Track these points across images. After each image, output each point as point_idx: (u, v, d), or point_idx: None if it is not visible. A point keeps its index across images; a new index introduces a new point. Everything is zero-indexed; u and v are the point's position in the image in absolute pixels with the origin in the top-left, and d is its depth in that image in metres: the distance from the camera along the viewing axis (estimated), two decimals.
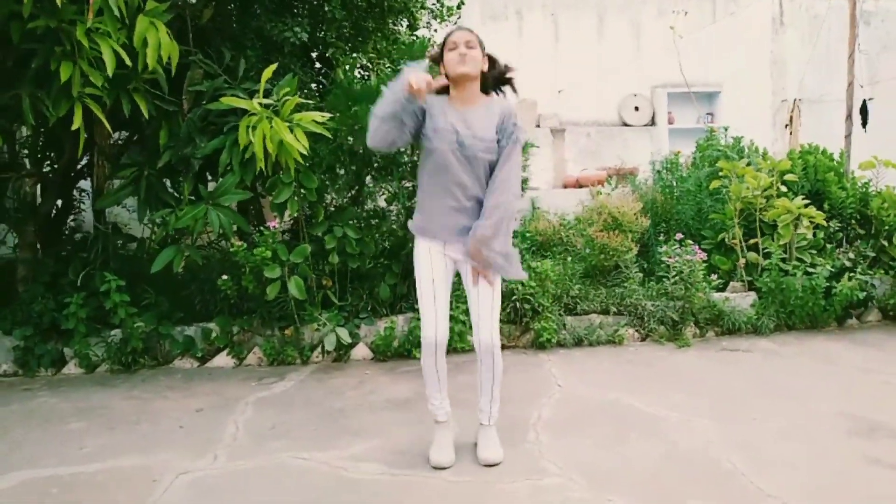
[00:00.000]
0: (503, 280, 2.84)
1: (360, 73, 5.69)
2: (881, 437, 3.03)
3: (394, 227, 4.76)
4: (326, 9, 4.70)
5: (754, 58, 10.39)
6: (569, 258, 5.06)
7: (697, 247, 4.92)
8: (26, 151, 4.90)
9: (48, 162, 4.95)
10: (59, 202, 5.01)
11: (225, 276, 4.24)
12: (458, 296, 4.17)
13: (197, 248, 4.42)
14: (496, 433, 2.90)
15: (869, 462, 2.79)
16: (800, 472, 2.71)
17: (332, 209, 4.58)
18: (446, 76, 2.70)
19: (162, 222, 4.20)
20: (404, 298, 4.67)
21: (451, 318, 4.06)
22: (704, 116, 10.21)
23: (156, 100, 4.11)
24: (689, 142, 7.67)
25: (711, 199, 5.58)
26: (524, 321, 4.61)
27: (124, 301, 4.22)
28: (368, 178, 4.72)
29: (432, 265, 2.71)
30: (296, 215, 4.38)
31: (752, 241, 5.15)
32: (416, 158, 4.51)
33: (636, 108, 10.17)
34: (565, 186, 8.98)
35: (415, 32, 5.73)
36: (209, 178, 4.71)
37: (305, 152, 3.91)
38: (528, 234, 5.18)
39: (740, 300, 4.96)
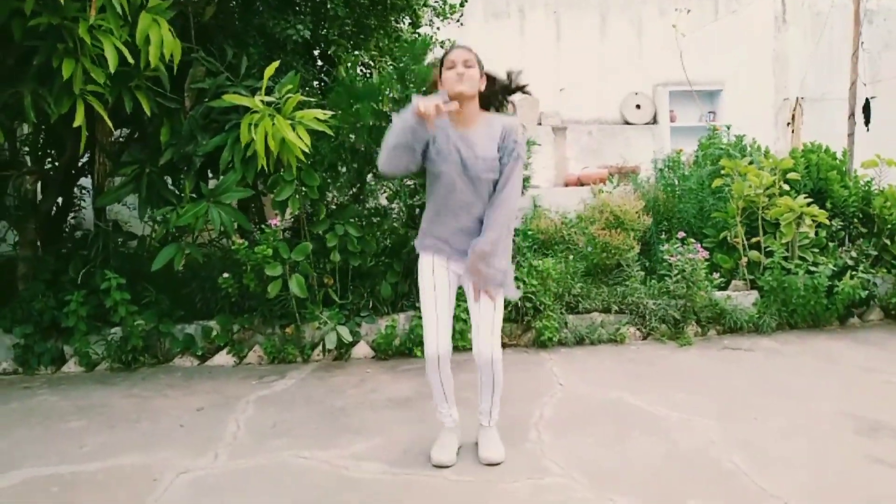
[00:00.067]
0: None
1: (362, 70, 5.68)
2: (883, 436, 3.03)
3: (395, 225, 4.75)
4: (329, 6, 4.68)
5: (756, 56, 10.36)
6: (570, 256, 5.05)
7: (699, 245, 4.91)
8: (27, 149, 4.90)
9: (49, 159, 4.95)
10: (60, 200, 5.00)
11: (226, 274, 4.23)
12: (458, 294, 4.15)
13: (198, 246, 4.42)
14: (497, 433, 2.90)
15: (871, 461, 2.78)
16: (802, 471, 2.71)
17: (334, 207, 4.57)
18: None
19: (163, 220, 4.20)
20: (405, 297, 4.66)
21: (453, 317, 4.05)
22: (706, 115, 10.19)
23: (158, 97, 4.10)
24: (691, 140, 7.66)
25: (713, 197, 5.57)
26: (526, 320, 4.60)
27: (125, 299, 4.21)
28: (370, 176, 4.71)
29: (435, 279, 2.72)
30: (297, 213, 4.37)
31: (754, 240, 5.14)
32: None
33: (638, 107, 10.15)
34: (567, 185, 8.97)
35: (417, 30, 5.72)
36: (210, 175, 4.70)
37: (307, 150, 3.90)
38: (529, 233, 5.17)
39: (742, 299, 4.95)
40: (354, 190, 4.75)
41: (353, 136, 4.44)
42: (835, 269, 4.85)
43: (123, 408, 3.61)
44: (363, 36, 5.32)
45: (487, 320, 2.67)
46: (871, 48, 9.41)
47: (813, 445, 2.95)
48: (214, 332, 4.43)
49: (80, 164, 4.95)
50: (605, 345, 4.60)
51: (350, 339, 4.33)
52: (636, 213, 5.15)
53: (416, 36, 5.43)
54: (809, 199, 5.00)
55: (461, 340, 4.28)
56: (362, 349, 4.45)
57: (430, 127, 2.52)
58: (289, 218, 4.56)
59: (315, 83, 5.13)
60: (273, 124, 3.79)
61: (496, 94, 2.80)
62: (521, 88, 2.85)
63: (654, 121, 10.20)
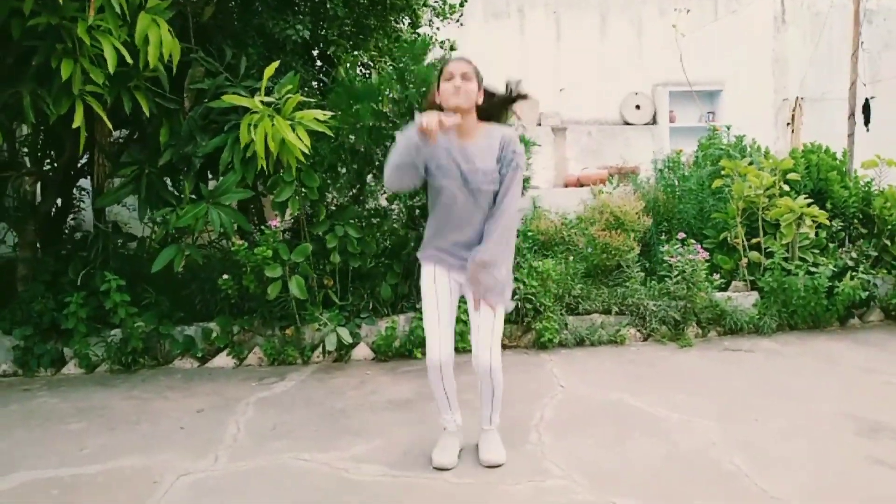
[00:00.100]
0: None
1: (361, 70, 5.67)
2: (883, 437, 3.02)
3: (395, 226, 4.75)
4: (328, 6, 4.68)
5: (756, 56, 10.36)
6: (570, 257, 5.04)
7: (699, 246, 4.91)
8: (26, 150, 4.88)
9: (48, 160, 4.93)
10: (59, 201, 4.99)
11: (226, 276, 4.22)
12: (460, 297, 4.15)
13: (197, 248, 4.41)
14: (498, 435, 2.89)
15: (871, 462, 2.78)
16: (802, 472, 2.70)
17: (334, 208, 4.57)
18: (440, 106, 2.68)
19: (162, 221, 4.19)
20: (405, 298, 4.66)
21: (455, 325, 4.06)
22: (706, 115, 10.19)
23: (157, 98, 4.10)
24: (691, 140, 7.66)
25: (713, 198, 5.56)
26: (526, 321, 4.59)
27: (124, 301, 4.20)
28: (370, 176, 4.70)
29: (437, 288, 2.74)
30: (297, 214, 4.37)
31: (754, 241, 5.13)
32: None
33: (637, 107, 10.15)
34: (566, 185, 8.97)
35: (417, 30, 5.71)
36: (210, 176, 4.70)
37: (307, 151, 3.89)
38: (529, 233, 5.16)
39: (742, 300, 4.94)
40: (354, 191, 4.75)
41: (352, 137, 4.43)
42: (835, 269, 4.84)
43: (123, 410, 3.60)
44: (363, 36, 5.31)
45: (486, 330, 2.67)
46: (871, 48, 9.41)
47: (813, 447, 2.95)
48: (214, 334, 4.43)
49: (79, 164, 4.94)
50: (605, 346, 4.60)
51: (350, 340, 4.32)
52: (636, 213, 5.14)
53: (416, 36, 5.43)
54: (809, 200, 5.00)
55: (461, 342, 4.27)
56: (362, 351, 4.45)
57: (433, 142, 2.53)
58: (288, 219, 4.56)
59: (314, 83, 5.12)
60: (273, 125, 3.79)
61: (496, 107, 2.79)
62: (522, 97, 2.83)
63: (654, 121, 10.20)
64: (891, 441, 2.98)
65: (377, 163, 4.62)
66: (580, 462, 2.82)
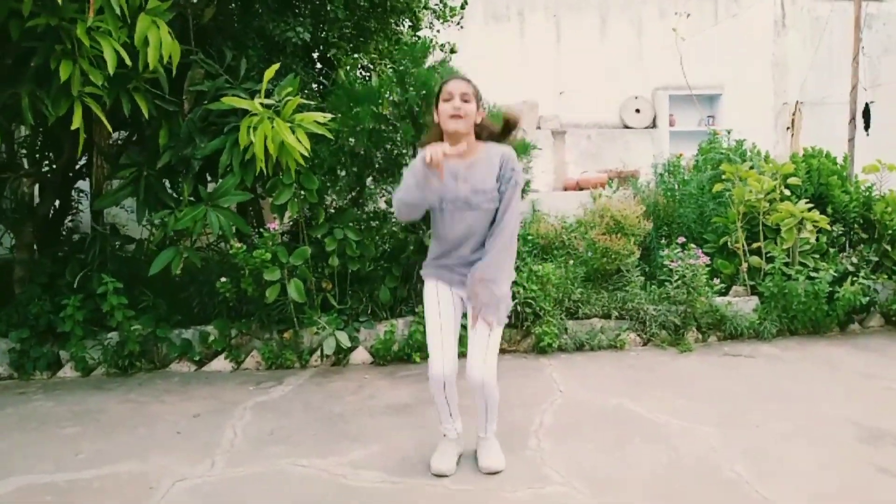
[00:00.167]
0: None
1: (361, 73, 5.66)
2: (886, 444, 3.01)
3: (394, 229, 4.73)
4: (328, 8, 4.67)
5: (756, 60, 10.37)
6: (570, 261, 5.03)
7: (700, 250, 4.90)
8: (25, 151, 4.87)
9: (47, 162, 4.92)
10: (57, 202, 4.97)
11: (224, 279, 4.20)
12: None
13: (196, 250, 4.38)
14: (496, 441, 2.87)
15: (874, 470, 2.76)
16: (803, 479, 2.69)
17: (333, 211, 4.55)
18: (439, 126, 2.68)
19: (161, 223, 4.17)
20: (404, 302, 4.64)
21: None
22: (706, 119, 10.18)
23: (156, 99, 4.08)
24: (690, 144, 7.65)
25: (714, 202, 5.55)
26: (525, 325, 4.57)
27: (121, 303, 4.18)
28: (369, 179, 4.69)
29: (440, 302, 2.75)
30: (296, 217, 4.35)
31: (754, 245, 5.12)
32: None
33: (637, 111, 10.14)
34: (565, 189, 8.94)
35: (417, 33, 5.70)
36: (209, 178, 4.68)
37: (307, 153, 3.88)
38: (529, 237, 5.15)
39: (743, 305, 4.93)
40: (353, 194, 4.73)
41: (352, 140, 4.42)
42: (835, 274, 4.83)
43: (120, 414, 3.58)
44: (363, 39, 5.30)
45: (481, 346, 2.67)
46: (871, 53, 9.43)
47: (815, 453, 2.93)
48: (212, 337, 4.40)
49: (77, 166, 4.92)
50: (605, 351, 4.58)
51: (348, 344, 4.30)
52: (637, 217, 5.13)
53: (416, 39, 5.42)
54: (810, 205, 4.98)
55: (461, 346, 4.24)
56: (361, 355, 4.42)
57: (441, 175, 2.54)
58: (287, 222, 4.54)
59: (314, 86, 5.11)
60: (272, 127, 3.77)
61: (495, 137, 2.80)
62: (515, 127, 2.86)
63: (654, 125, 10.19)
64: (893, 448, 2.97)
65: (377, 165, 4.60)
66: (580, 468, 2.80)
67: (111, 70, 3.50)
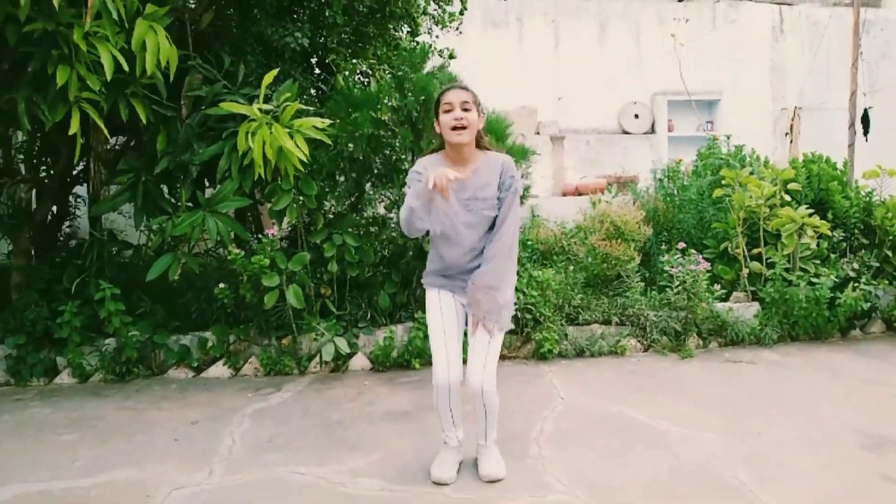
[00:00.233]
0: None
1: (360, 79, 5.65)
2: (888, 450, 2.99)
3: (393, 234, 4.71)
4: (327, 14, 4.66)
5: (754, 65, 10.39)
6: (570, 267, 5.01)
7: (700, 256, 4.88)
8: (22, 156, 4.85)
9: (44, 167, 4.89)
10: (55, 208, 4.95)
11: (222, 285, 4.18)
12: None
13: (194, 256, 4.36)
14: (497, 449, 2.85)
15: (875, 476, 2.74)
16: (805, 486, 2.67)
17: (332, 216, 4.53)
18: (441, 136, 2.68)
19: (159, 229, 4.15)
20: (404, 308, 4.61)
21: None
22: (704, 124, 10.19)
23: (154, 105, 4.06)
24: (689, 150, 7.64)
25: (714, 207, 5.53)
26: (525, 331, 4.55)
27: (119, 309, 4.15)
28: (368, 185, 4.67)
29: (443, 309, 2.74)
30: (294, 223, 4.33)
31: (755, 251, 5.10)
32: None
33: (636, 116, 10.15)
34: (564, 194, 8.94)
35: (416, 38, 5.69)
36: (207, 184, 4.65)
37: (305, 159, 3.86)
38: (529, 243, 5.13)
39: (743, 310, 4.91)
40: (352, 199, 4.71)
41: (351, 145, 4.40)
42: (836, 280, 4.81)
43: (117, 420, 3.55)
44: (361, 44, 5.30)
45: (481, 354, 2.65)
46: (869, 58, 9.44)
47: (817, 460, 2.91)
48: (210, 344, 4.38)
49: (75, 172, 4.91)
50: (605, 357, 4.55)
51: (347, 350, 4.28)
52: (636, 223, 5.11)
53: (415, 44, 5.40)
54: (811, 210, 4.97)
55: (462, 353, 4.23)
56: (360, 361, 4.40)
57: (447, 196, 2.50)
58: (286, 227, 4.52)
59: (313, 91, 5.10)
60: (271, 133, 3.75)
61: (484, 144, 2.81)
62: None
63: (653, 130, 10.21)
64: (895, 454, 2.94)
65: (376, 171, 4.58)
66: (581, 476, 2.78)
67: (109, 75, 3.49)
